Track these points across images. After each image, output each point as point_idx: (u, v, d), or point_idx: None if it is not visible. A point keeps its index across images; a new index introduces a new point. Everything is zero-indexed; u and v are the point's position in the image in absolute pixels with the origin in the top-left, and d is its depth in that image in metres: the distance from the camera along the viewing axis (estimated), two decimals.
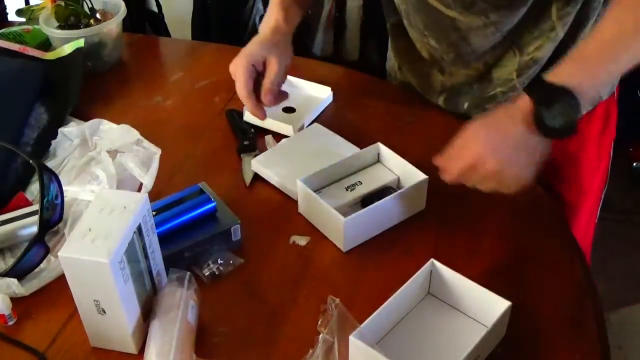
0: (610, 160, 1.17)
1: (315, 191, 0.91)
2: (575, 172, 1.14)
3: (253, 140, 1.06)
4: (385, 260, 0.87)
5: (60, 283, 0.81)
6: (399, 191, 0.89)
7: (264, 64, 1.01)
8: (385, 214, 0.89)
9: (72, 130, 1.02)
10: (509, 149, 0.81)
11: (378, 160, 0.99)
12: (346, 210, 0.91)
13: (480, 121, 0.84)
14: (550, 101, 0.78)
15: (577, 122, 0.79)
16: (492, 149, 0.82)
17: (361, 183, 0.95)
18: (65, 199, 0.88)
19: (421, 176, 0.91)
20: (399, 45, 1.18)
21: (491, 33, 1.00)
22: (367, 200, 0.93)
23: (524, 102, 0.81)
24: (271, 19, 1.05)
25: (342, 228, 0.85)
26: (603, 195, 1.21)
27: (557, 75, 0.80)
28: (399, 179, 0.96)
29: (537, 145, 0.82)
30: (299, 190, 0.92)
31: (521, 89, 1.08)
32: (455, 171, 0.84)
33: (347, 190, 0.94)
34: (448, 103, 1.14)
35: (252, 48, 1.02)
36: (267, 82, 1.00)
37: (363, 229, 0.88)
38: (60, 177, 0.88)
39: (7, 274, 0.81)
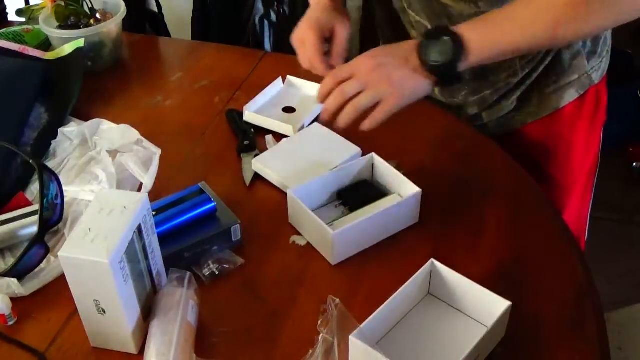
0: (600, 144, 1.18)
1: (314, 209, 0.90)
2: (567, 155, 1.15)
3: (253, 140, 1.06)
4: (385, 260, 0.87)
5: (60, 283, 0.81)
6: (390, 205, 0.87)
7: (331, 31, 1.00)
8: (375, 227, 0.87)
9: (72, 130, 1.02)
10: (388, 55, 0.90)
11: (372, 170, 0.96)
12: (338, 223, 0.90)
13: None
14: (435, 37, 0.87)
15: (457, 66, 0.86)
16: (371, 55, 0.90)
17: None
18: (65, 199, 0.88)
19: (414, 189, 0.89)
20: (396, 37, 1.18)
21: None
22: (342, 193, 0.93)
23: (415, 39, 0.90)
24: None
25: (330, 241, 0.84)
26: (595, 182, 1.21)
27: (454, 27, 0.87)
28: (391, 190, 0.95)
29: (415, 70, 0.88)
30: (290, 201, 0.90)
31: (523, 74, 1.08)
32: (333, 85, 0.90)
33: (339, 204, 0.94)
34: (444, 92, 1.14)
35: (317, 16, 1.00)
36: (339, 49, 1.00)
37: (352, 243, 0.86)
38: (60, 177, 0.88)
39: (7, 274, 0.81)
